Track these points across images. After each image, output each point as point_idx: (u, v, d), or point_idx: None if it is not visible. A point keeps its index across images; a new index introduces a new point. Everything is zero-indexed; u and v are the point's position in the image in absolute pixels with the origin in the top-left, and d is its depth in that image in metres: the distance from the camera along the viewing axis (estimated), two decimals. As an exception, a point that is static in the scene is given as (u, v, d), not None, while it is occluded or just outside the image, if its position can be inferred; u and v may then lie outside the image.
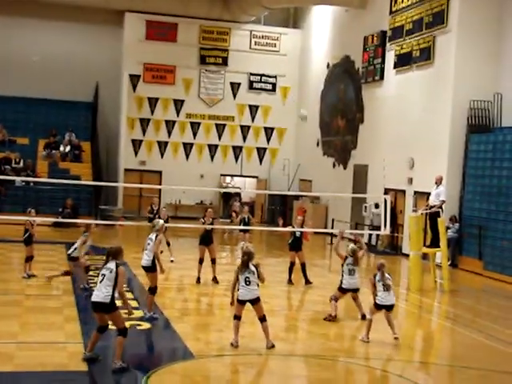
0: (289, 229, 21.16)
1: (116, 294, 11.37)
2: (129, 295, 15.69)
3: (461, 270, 25.49)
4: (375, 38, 32.32)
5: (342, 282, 15.77)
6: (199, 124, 40.84)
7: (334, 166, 36.45)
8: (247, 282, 12.82)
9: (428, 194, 22.86)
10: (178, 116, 40.54)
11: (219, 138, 41.13)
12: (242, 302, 12.97)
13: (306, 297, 19.32)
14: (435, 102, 27.51)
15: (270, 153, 41.77)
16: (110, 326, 11.73)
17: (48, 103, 39.17)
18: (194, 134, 40.79)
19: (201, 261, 19.56)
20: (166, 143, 40.50)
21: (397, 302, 18.56)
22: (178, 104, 40.46)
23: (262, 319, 13.03)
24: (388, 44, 31.23)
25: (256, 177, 41.69)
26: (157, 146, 40.38)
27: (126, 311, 12.06)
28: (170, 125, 40.48)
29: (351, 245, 16.31)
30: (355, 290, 15.97)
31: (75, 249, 18.03)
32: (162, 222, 15.95)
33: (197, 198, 39.97)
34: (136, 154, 40.00)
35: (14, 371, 10.97)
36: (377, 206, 30.80)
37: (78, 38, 40.54)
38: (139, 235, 30.24)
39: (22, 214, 27.96)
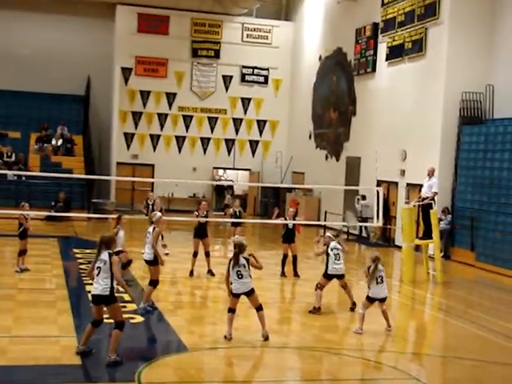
0: (280, 221, 21.12)
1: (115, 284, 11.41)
2: (121, 289, 15.64)
3: (453, 261, 25.56)
4: (367, 30, 32.31)
5: (327, 268, 15.68)
6: (191, 117, 40.78)
7: (326, 158, 36.46)
8: (239, 275, 12.82)
9: (420, 186, 22.91)
10: (170, 109, 40.47)
11: (212, 131, 41.08)
12: (236, 296, 12.99)
13: (298, 289, 19.35)
14: (427, 94, 27.53)
15: (262, 145, 41.75)
16: (104, 321, 11.73)
17: (40, 97, 39.04)
18: (187, 127, 40.73)
19: (195, 254, 19.55)
20: (159, 136, 40.44)
21: (390, 293, 18.62)
22: (171, 97, 40.40)
23: (258, 308, 13.06)
24: (380, 36, 31.23)
25: (249, 169, 41.68)
26: (149, 139, 40.32)
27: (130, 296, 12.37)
28: (162, 118, 40.41)
29: (330, 232, 16.32)
30: (340, 276, 15.88)
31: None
32: (159, 214, 15.89)
33: (189, 191, 39.93)
34: (128, 147, 39.93)
35: (6, 365, 10.96)
36: (364, 197, 30.96)
37: (69, 31, 40.39)
38: (132, 228, 30.21)
39: (14, 207, 27.99)
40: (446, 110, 26.50)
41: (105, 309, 11.51)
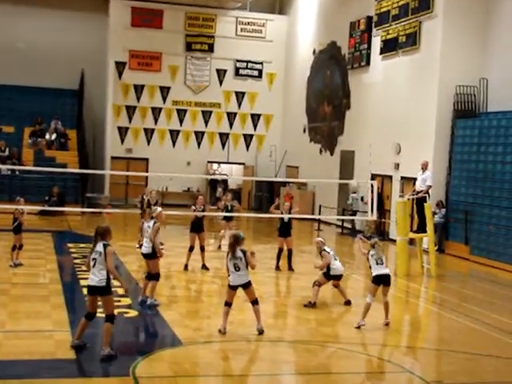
0: (277, 214, 21.09)
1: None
2: (116, 283, 15.63)
3: (447, 254, 25.60)
4: (361, 24, 32.31)
5: (328, 269, 15.77)
6: (185, 111, 40.74)
7: (320, 152, 36.46)
8: (236, 267, 12.83)
9: (414, 180, 22.92)
10: (164, 103, 40.43)
11: (206, 125, 41.05)
12: (233, 288, 13.00)
13: (293, 283, 19.36)
14: (421, 88, 27.54)
15: (256, 139, 41.73)
16: (98, 314, 11.72)
17: (33, 91, 38.94)
18: (181, 121, 40.70)
19: (191, 248, 19.54)
20: (153, 130, 40.40)
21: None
22: (164, 91, 40.35)
23: (254, 302, 13.08)
24: (374, 29, 31.22)
25: (243, 163, 41.67)
26: (143, 134, 40.28)
27: (124, 290, 12.20)
28: (156, 112, 40.37)
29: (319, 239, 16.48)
30: (339, 277, 16.02)
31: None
32: (159, 209, 15.91)
33: (184, 185, 39.91)
34: (122, 141, 39.89)
35: (1, 360, 10.96)
36: (355, 191, 31.09)
37: (63, 25, 40.30)
38: (126, 223, 30.26)
39: (7, 202, 27.99)
40: (440, 104, 26.52)
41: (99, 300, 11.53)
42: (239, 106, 41.41)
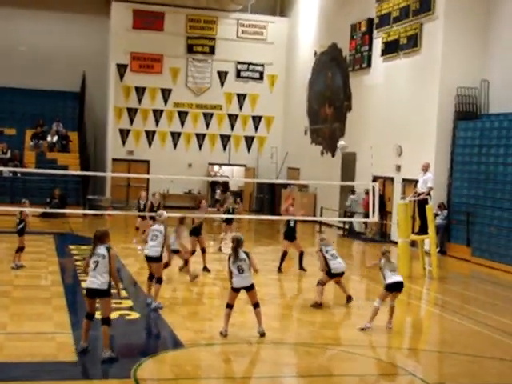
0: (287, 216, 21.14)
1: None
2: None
3: (449, 256, 25.58)
4: (362, 26, 32.30)
5: (329, 268, 15.80)
6: (187, 113, 40.76)
7: (322, 153, 36.45)
8: (240, 270, 12.82)
9: (416, 182, 22.89)
10: (165, 105, 40.44)
11: (207, 127, 41.07)
12: (236, 290, 13.00)
13: (295, 285, 19.36)
14: (422, 90, 27.53)
15: (257, 141, 41.73)
16: (97, 316, 11.72)
17: (35, 93, 38.98)
18: (182, 123, 40.71)
19: (193, 252, 19.59)
20: (154, 132, 40.41)
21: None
22: (166, 93, 40.36)
23: (256, 305, 13.08)
24: (375, 31, 31.21)
25: (244, 165, 41.66)
26: (144, 136, 40.29)
27: (116, 291, 11.94)
28: (157, 114, 40.38)
29: (322, 235, 16.57)
30: (341, 274, 16.07)
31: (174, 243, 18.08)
32: (165, 213, 15.95)
33: (185, 187, 39.90)
34: (124, 143, 39.90)
35: (2, 362, 10.95)
36: (353, 192, 31.09)
37: (64, 28, 40.36)
38: (128, 225, 30.23)
39: (9, 204, 27.99)
40: (441, 106, 26.51)
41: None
42: (240, 107, 41.41)
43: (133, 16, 39.78)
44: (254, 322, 13.18)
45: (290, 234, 20.48)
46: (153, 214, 22.60)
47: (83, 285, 16.64)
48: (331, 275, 15.91)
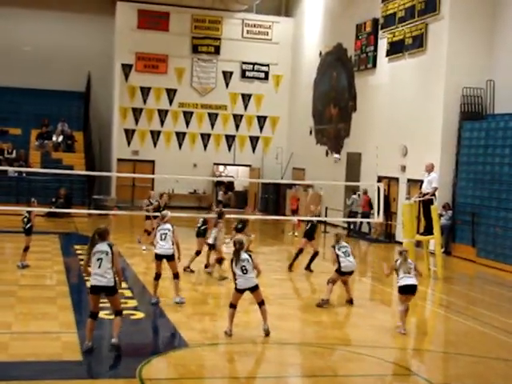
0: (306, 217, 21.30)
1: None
2: (123, 284, 15.65)
3: (454, 257, 25.55)
4: (367, 26, 32.28)
5: (340, 266, 15.83)
6: (192, 113, 40.77)
7: (327, 154, 36.44)
8: (244, 270, 12.83)
9: (421, 182, 22.87)
10: (170, 105, 40.47)
11: (212, 127, 41.08)
12: (240, 291, 13.00)
13: (299, 285, 19.35)
14: (428, 90, 27.51)
15: (262, 141, 41.73)
16: (103, 317, 11.74)
17: (40, 93, 39.03)
18: (187, 123, 40.73)
19: (198, 252, 19.71)
20: (159, 132, 40.44)
21: (390, 289, 18.65)
22: (171, 93, 40.38)
23: (261, 303, 13.10)
24: (380, 32, 31.19)
25: (249, 165, 41.67)
26: (150, 136, 40.32)
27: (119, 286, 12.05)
28: (162, 114, 40.41)
29: (337, 231, 16.62)
30: (351, 273, 16.09)
31: (215, 238, 18.50)
32: (169, 213, 16.18)
33: (190, 187, 39.92)
34: (129, 143, 39.93)
35: (7, 361, 10.96)
36: (355, 192, 31.10)
37: (69, 28, 40.40)
38: (133, 224, 30.27)
39: (15, 204, 28.03)
40: (446, 106, 26.48)
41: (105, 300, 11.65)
42: (245, 108, 41.42)
43: (138, 16, 39.82)
44: (258, 321, 13.18)
45: (311, 233, 20.53)
46: (157, 214, 22.77)
47: (88, 284, 16.70)
48: (341, 273, 15.95)
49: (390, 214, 29.26)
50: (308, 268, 20.51)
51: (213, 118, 41.01)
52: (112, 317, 12.58)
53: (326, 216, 32.76)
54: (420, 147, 27.58)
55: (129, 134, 39.94)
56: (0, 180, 33.30)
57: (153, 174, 39.32)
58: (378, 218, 20.57)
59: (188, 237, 21.00)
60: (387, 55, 30.49)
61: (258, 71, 41.48)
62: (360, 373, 11.69)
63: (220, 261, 18.85)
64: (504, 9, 25.88)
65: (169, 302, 15.47)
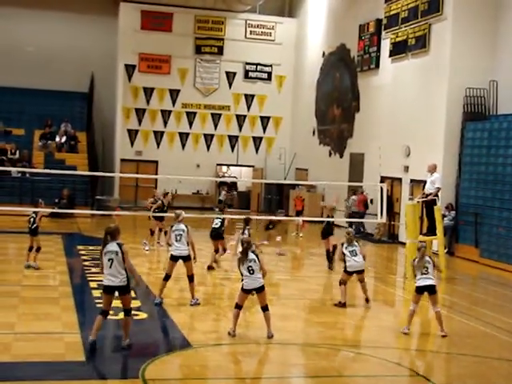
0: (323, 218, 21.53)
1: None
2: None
3: (457, 257, 25.54)
4: (371, 27, 32.28)
5: (346, 265, 15.88)
6: (195, 113, 40.80)
7: (330, 154, 36.44)
8: (250, 270, 12.84)
9: (424, 182, 22.85)
10: (173, 106, 40.50)
11: (215, 128, 41.09)
12: (246, 292, 13.02)
13: (303, 285, 19.33)
14: (431, 90, 27.49)
15: (265, 142, 41.74)
16: (108, 317, 11.76)
17: (43, 94, 39.05)
18: (190, 124, 40.75)
19: (217, 251, 20.18)
20: (162, 133, 40.46)
21: (394, 290, 18.67)
22: (174, 94, 40.40)
23: (265, 308, 13.07)
24: (383, 32, 31.18)
25: (252, 166, 41.68)
26: (153, 136, 40.34)
27: (136, 283, 12.66)
28: (165, 114, 40.44)
29: (348, 229, 16.64)
30: (360, 272, 16.11)
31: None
32: (183, 213, 16.14)
33: (193, 187, 39.93)
34: (132, 144, 39.96)
35: (11, 361, 10.97)
36: (354, 192, 31.10)
37: (73, 29, 40.41)
38: (136, 225, 30.29)
39: (18, 204, 28.05)
40: (449, 106, 26.46)
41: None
42: (248, 108, 41.43)
43: (141, 17, 39.85)
44: (262, 322, 13.18)
45: (327, 232, 20.81)
46: (160, 214, 22.82)
47: (91, 285, 16.75)
48: (348, 272, 16.00)
49: (393, 214, 29.25)
50: (330, 262, 21.00)
51: (216, 118, 41.04)
52: (116, 317, 12.63)
53: (328, 217, 32.71)
54: (423, 148, 27.57)
55: (132, 134, 39.97)
56: (3, 180, 33.33)
57: (156, 174, 39.33)
58: (381, 219, 20.53)
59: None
60: (390, 56, 30.49)
61: (261, 72, 41.49)
62: (363, 373, 11.69)
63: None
64: (507, 9, 25.87)
65: (172, 302, 15.47)
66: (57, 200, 32.34)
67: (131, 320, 12.04)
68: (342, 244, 16.18)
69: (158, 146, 40.40)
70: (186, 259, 15.45)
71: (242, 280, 12.97)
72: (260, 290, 12.96)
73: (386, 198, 21.93)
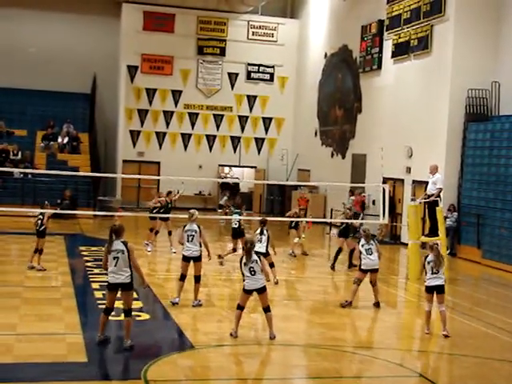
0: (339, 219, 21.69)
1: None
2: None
3: (459, 258, 25.53)
4: (373, 28, 32.26)
5: (361, 263, 15.93)
6: (197, 114, 40.79)
7: (332, 155, 36.43)
8: (252, 271, 12.84)
9: (426, 183, 22.85)
10: (176, 107, 40.48)
11: (217, 129, 41.08)
12: (248, 292, 13.02)
13: (305, 286, 19.34)
14: (433, 91, 27.48)
15: (268, 143, 41.72)
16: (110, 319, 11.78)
17: (46, 95, 39.05)
18: (192, 125, 40.74)
19: (235, 250, 20.73)
20: (164, 134, 40.46)
21: (396, 291, 18.68)
22: (176, 95, 40.40)
23: (266, 309, 13.07)
24: (385, 33, 31.17)
25: (254, 167, 41.67)
26: (155, 137, 40.34)
27: (143, 283, 12.60)
28: (168, 115, 40.43)
29: (363, 227, 16.73)
30: (374, 270, 16.15)
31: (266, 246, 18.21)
32: (197, 212, 16.21)
33: (195, 188, 39.92)
34: (134, 144, 39.96)
35: (12, 362, 11.00)
36: (352, 193, 31.10)
37: (75, 29, 40.42)
38: (138, 226, 30.29)
39: (20, 205, 28.07)
40: (451, 107, 26.45)
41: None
42: (251, 109, 41.42)
43: (143, 17, 39.84)
44: (263, 323, 13.19)
45: (346, 231, 21.06)
46: (163, 215, 22.85)
47: (93, 286, 16.76)
48: (362, 270, 16.09)
49: (395, 215, 29.24)
50: (350, 266, 21.14)
51: (218, 119, 41.03)
52: (117, 318, 12.64)
53: (331, 217, 32.75)
54: (425, 148, 27.56)
55: (134, 135, 39.97)
56: (5, 181, 33.37)
57: (158, 175, 39.32)
58: (383, 220, 20.50)
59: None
60: (392, 57, 30.48)
61: (263, 73, 41.49)
62: (365, 374, 11.70)
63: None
64: (509, 10, 25.85)
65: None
66: (59, 201, 32.32)
67: (132, 321, 12.10)
68: (359, 241, 16.21)
69: (160, 147, 40.40)
70: (196, 260, 15.50)
71: (244, 280, 12.97)
72: (261, 290, 12.95)
73: (388, 198, 21.87)
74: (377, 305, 16.24)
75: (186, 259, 15.52)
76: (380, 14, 31.63)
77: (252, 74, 41.34)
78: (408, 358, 12.92)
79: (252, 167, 41.75)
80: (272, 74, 41.64)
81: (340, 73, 35.94)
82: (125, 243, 11.86)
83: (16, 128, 37.72)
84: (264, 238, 17.73)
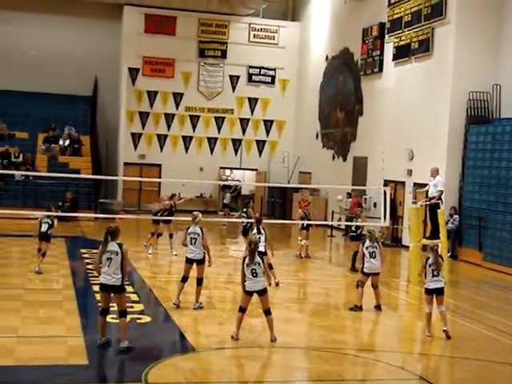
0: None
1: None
2: (129, 288, 15.68)
3: (461, 261, 25.51)
4: (374, 30, 32.27)
5: (363, 266, 15.94)
6: (198, 117, 40.79)
7: (333, 158, 36.43)
8: (254, 273, 12.83)
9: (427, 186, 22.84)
10: (177, 109, 40.49)
11: (218, 131, 41.09)
12: (249, 293, 13.00)
13: (306, 289, 19.35)
14: (434, 94, 27.48)
15: (269, 145, 41.73)
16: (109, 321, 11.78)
17: (47, 97, 39.07)
18: (194, 127, 40.75)
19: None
20: (166, 136, 40.47)
21: (397, 293, 18.66)
22: (177, 97, 40.41)
23: (267, 312, 13.05)
24: (387, 36, 31.18)
25: (255, 169, 41.67)
26: (156, 140, 40.35)
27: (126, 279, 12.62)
28: (169, 118, 40.44)
29: (370, 229, 16.70)
30: (376, 274, 16.17)
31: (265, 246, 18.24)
32: (200, 215, 16.13)
33: (196, 191, 39.91)
34: (135, 147, 39.96)
35: (13, 365, 10.99)
36: (349, 195, 31.08)
37: (76, 32, 40.44)
38: (139, 228, 30.29)
39: (21, 208, 28.09)
40: (452, 110, 26.45)
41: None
42: (252, 112, 41.43)
43: (145, 20, 39.87)
44: (265, 325, 13.17)
45: (359, 235, 21.16)
46: (166, 218, 22.89)
47: (95, 288, 16.75)
48: (364, 273, 16.09)
49: (396, 217, 29.24)
50: (353, 268, 21.22)
51: (219, 121, 41.03)
52: (117, 321, 12.63)
53: (332, 220, 32.76)
54: (426, 151, 27.56)
55: (135, 137, 39.97)
56: (7, 184, 33.39)
57: (159, 177, 39.35)
58: (384, 222, 20.55)
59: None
60: (393, 59, 30.48)
61: (264, 75, 41.49)
62: (366, 377, 11.69)
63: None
64: (510, 13, 25.85)
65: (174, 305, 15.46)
66: (60, 203, 32.29)
67: (127, 321, 12.12)
68: (363, 243, 16.20)
69: (162, 150, 40.40)
70: (199, 262, 15.49)
71: (245, 281, 12.96)
72: (262, 292, 12.94)
73: (390, 201, 21.91)
74: (378, 307, 16.24)
75: (189, 261, 15.52)
76: (381, 16, 31.64)
77: (253, 77, 41.35)
78: (409, 360, 12.90)
79: (253, 170, 41.75)
80: (273, 77, 41.64)
81: (341, 75, 35.95)
82: (120, 245, 11.89)
83: (17, 130, 37.76)
84: (262, 237, 17.69)
